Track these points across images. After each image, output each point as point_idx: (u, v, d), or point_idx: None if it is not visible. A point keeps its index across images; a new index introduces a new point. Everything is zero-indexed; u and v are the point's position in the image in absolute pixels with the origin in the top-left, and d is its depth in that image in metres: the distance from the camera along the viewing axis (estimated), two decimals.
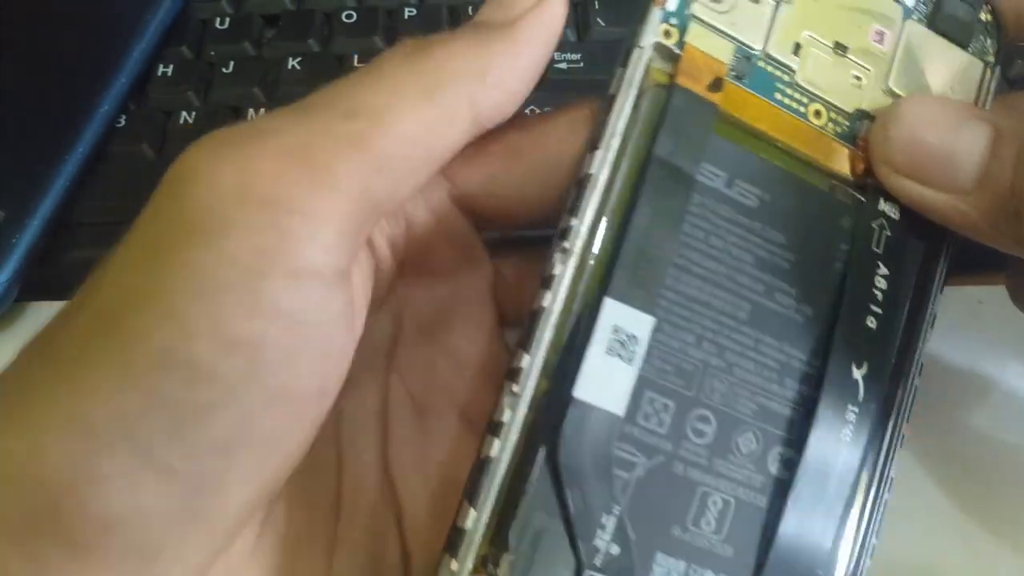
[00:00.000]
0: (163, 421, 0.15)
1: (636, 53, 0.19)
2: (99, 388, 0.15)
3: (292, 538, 0.19)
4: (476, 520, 0.17)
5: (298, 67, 0.33)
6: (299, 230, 0.16)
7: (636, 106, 0.19)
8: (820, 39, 0.21)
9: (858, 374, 0.20)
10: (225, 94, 0.33)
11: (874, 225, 0.21)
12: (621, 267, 0.18)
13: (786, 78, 0.21)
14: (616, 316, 0.18)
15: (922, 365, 0.21)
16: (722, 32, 0.20)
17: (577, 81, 0.32)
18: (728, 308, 0.19)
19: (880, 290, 0.21)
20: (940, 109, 0.21)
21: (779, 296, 0.20)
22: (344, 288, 0.17)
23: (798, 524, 0.19)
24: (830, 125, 0.21)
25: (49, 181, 0.29)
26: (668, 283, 0.19)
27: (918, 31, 0.22)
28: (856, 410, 0.20)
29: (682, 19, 0.20)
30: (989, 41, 0.23)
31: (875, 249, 0.21)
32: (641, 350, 0.18)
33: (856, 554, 0.20)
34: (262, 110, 0.32)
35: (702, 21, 0.20)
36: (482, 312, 0.23)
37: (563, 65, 0.33)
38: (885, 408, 0.20)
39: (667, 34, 0.20)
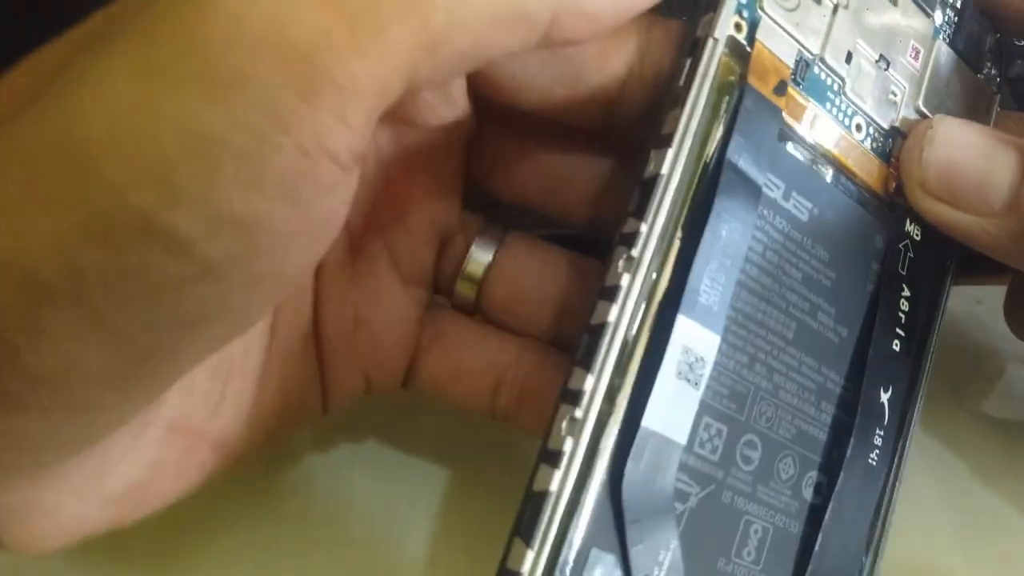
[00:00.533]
0: (125, 288, 0.13)
1: (710, 45, 0.18)
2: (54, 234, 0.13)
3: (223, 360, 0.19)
4: (534, 562, 0.15)
5: None
6: (328, 100, 0.13)
7: (707, 104, 0.18)
8: (868, 50, 0.21)
9: (884, 398, 0.20)
10: None
11: (900, 247, 0.21)
12: (694, 282, 0.17)
13: (836, 87, 0.20)
14: (687, 336, 0.17)
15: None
16: (787, 32, 0.19)
17: None
18: (778, 327, 0.19)
19: (903, 312, 0.21)
20: (974, 133, 0.21)
21: (821, 316, 0.20)
22: (355, 173, 0.15)
23: (831, 549, 0.19)
24: (868, 140, 0.21)
25: None
26: (730, 300, 0.18)
27: (944, 51, 0.22)
28: (882, 434, 0.20)
29: (752, 13, 0.19)
30: (994, 68, 0.23)
31: (901, 271, 0.21)
32: (707, 373, 0.17)
33: (872, 566, 0.20)
34: None
35: (771, 18, 0.19)
36: (449, 171, 0.21)
37: None
38: (901, 428, 0.20)
39: (738, 27, 0.18)
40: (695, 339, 0.17)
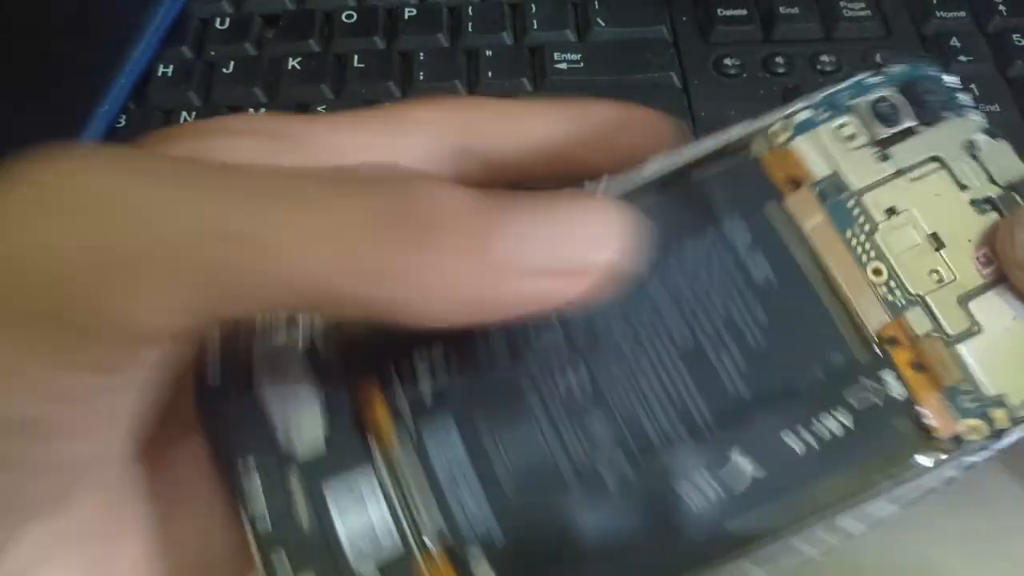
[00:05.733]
0: None
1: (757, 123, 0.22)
2: None
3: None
4: None
5: (298, 67, 0.33)
6: (104, 335, 0.14)
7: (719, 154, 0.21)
8: (921, 221, 0.22)
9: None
10: (225, 94, 0.33)
11: (868, 388, 0.21)
12: None
13: (867, 227, 0.22)
14: None
15: None
16: (826, 152, 0.22)
17: (577, 81, 0.33)
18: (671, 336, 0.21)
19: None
20: None
21: (724, 356, 0.21)
22: (129, 390, 0.16)
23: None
24: (883, 288, 0.22)
25: None
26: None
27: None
28: None
29: (809, 125, 0.22)
30: None
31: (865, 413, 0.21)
32: None
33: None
34: (262, 109, 0.32)
35: (820, 138, 0.22)
36: None
37: (563, 65, 0.33)
38: None
39: (778, 133, 0.22)
40: None
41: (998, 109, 0.31)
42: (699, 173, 0.22)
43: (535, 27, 0.34)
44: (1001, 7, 0.34)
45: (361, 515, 0.20)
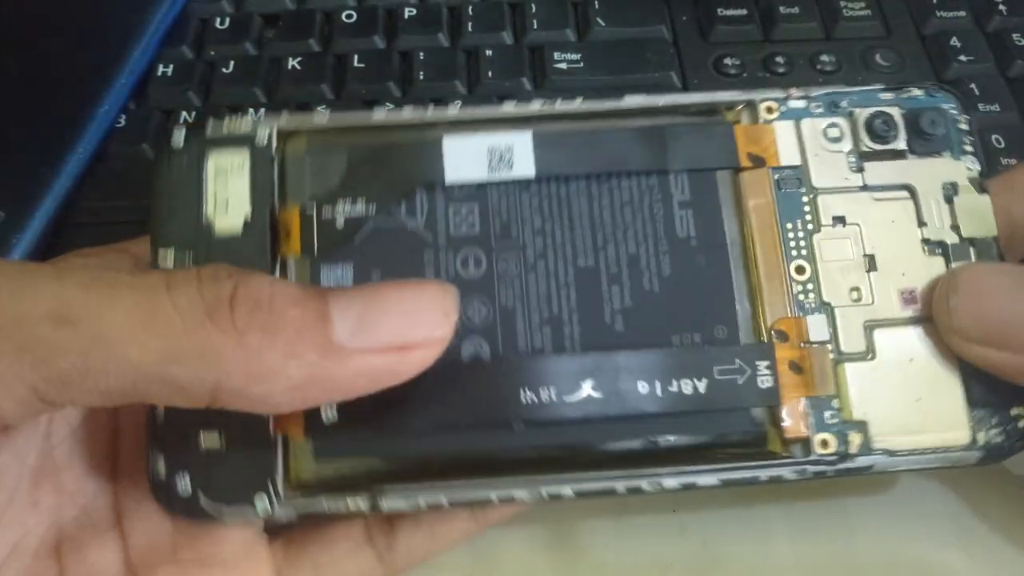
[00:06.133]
0: None
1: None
2: None
3: None
4: None
5: (298, 67, 0.33)
6: None
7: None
8: (864, 239, 0.22)
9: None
10: (225, 94, 0.33)
11: (737, 368, 0.22)
12: None
13: (809, 226, 0.23)
14: None
15: None
16: (802, 144, 0.23)
17: (577, 81, 0.33)
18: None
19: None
20: (999, 275, 0.21)
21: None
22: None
23: None
24: (797, 286, 0.22)
25: (49, 181, 0.29)
26: None
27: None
28: None
29: (800, 114, 0.23)
30: None
31: None
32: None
33: None
34: (262, 111, 0.32)
35: (804, 129, 0.23)
36: None
37: (563, 65, 0.33)
38: None
39: (769, 110, 0.23)
40: None
41: (998, 109, 0.31)
42: (673, 118, 0.23)
43: (535, 27, 0.34)
44: (1001, 7, 0.34)
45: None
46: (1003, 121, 0.31)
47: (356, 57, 0.33)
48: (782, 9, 0.34)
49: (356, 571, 0.23)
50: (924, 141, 0.23)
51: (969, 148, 0.23)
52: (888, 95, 0.23)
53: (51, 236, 0.29)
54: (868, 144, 0.23)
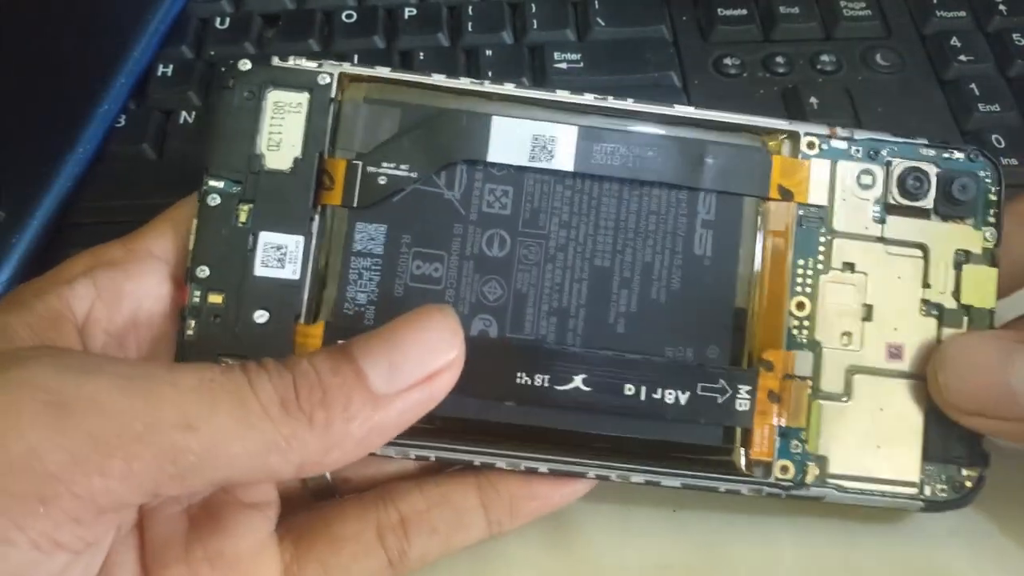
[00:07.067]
0: None
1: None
2: None
3: None
4: None
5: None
6: (62, 504, 0.17)
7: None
8: (867, 289, 0.23)
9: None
10: None
11: (719, 388, 0.23)
12: None
13: (819, 267, 0.23)
14: None
15: None
16: (833, 185, 0.23)
17: (577, 81, 0.33)
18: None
19: None
20: (983, 349, 0.22)
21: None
22: (89, 552, 0.19)
23: None
24: (794, 320, 0.23)
25: (49, 181, 0.29)
26: None
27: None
28: None
29: (839, 155, 0.24)
30: None
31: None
32: None
33: None
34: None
35: (839, 171, 0.23)
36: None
37: (563, 65, 0.33)
38: None
39: (810, 145, 0.23)
40: None
41: (998, 109, 0.31)
42: (715, 135, 0.23)
43: (535, 27, 0.34)
44: (1001, 7, 0.34)
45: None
46: (1003, 121, 0.31)
47: (356, 57, 0.33)
48: (782, 9, 0.34)
49: (365, 574, 0.23)
50: (951, 204, 0.23)
51: (992, 219, 0.23)
52: (930, 151, 0.24)
53: (51, 236, 0.29)
54: (896, 197, 0.23)
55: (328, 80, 0.23)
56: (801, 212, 0.23)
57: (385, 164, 0.23)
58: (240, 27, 0.34)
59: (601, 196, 0.23)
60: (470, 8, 0.34)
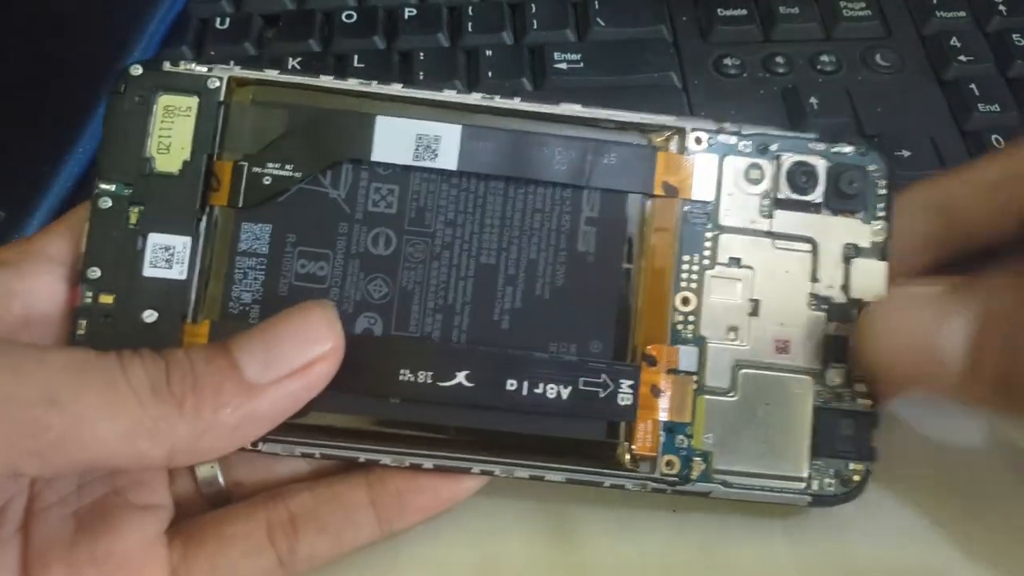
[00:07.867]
0: None
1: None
2: None
3: None
4: None
5: (298, 67, 0.33)
6: None
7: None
8: (754, 284, 0.23)
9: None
10: None
11: (602, 383, 0.23)
12: None
13: (705, 262, 0.23)
14: None
15: None
16: (720, 180, 0.23)
17: (577, 81, 0.33)
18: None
19: None
20: (911, 316, 0.21)
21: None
22: None
23: None
24: (679, 316, 0.23)
25: (49, 181, 0.29)
26: None
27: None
28: None
29: (726, 150, 0.23)
30: None
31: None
32: None
33: None
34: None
35: (725, 166, 0.23)
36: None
37: (563, 65, 0.33)
38: None
39: (697, 141, 0.23)
40: None
41: (998, 109, 0.31)
42: (602, 133, 0.23)
43: (535, 27, 0.34)
44: (1001, 7, 0.34)
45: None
46: (1003, 121, 0.31)
47: (356, 57, 0.33)
48: (782, 9, 0.34)
49: (255, 572, 0.23)
50: (840, 199, 0.23)
51: (881, 213, 0.23)
52: (819, 146, 0.24)
53: None
54: (785, 192, 0.23)
55: (217, 84, 0.23)
56: (687, 208, 0.23)
57: (270, 165, 0.23)
58: (240, 27, 0.34)
59: (486, 194, 0.23)
60: (470, 8, 0.34)
